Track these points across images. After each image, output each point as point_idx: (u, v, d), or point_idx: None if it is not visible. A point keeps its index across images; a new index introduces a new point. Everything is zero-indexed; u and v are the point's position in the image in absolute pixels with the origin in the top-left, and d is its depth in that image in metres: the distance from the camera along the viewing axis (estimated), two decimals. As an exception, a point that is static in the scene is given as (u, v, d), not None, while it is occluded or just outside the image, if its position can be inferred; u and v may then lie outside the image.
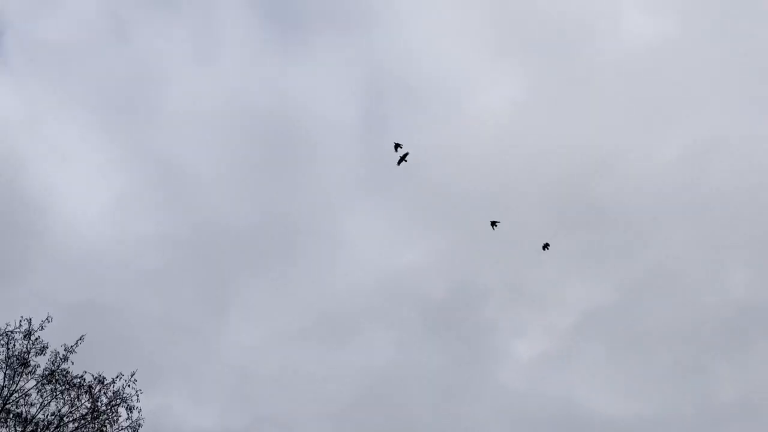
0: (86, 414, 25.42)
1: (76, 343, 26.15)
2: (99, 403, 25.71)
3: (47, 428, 24.91)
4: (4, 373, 25.00)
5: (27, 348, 25.39)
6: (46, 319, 25.76)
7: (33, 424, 24.79)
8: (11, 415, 24.53)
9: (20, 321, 25.64)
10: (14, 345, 25.25)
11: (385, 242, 70.04)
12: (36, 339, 25.56)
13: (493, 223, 30.85)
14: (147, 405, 26.61)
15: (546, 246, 31.94)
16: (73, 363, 26.09)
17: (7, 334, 25.27)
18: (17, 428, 24.57)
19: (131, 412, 25.97)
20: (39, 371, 25.48)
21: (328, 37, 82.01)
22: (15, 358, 25.09)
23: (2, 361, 24.99)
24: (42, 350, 25.74)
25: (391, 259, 69.00)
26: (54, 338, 26.31)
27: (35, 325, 25.73)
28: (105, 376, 26.16)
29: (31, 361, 25.49)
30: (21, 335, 25.43)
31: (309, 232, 70.10)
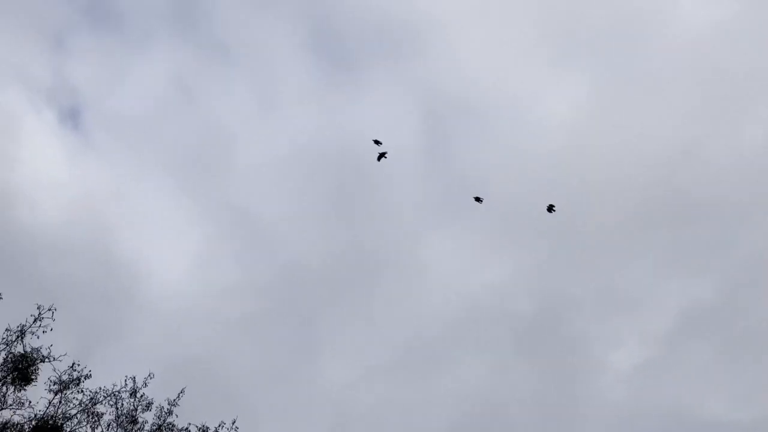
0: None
1: (178, 396, 26.90)
2: (206, 453, 26.28)
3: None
4: (116, 432, 25.92)
5: (134, 405, 26.28)
6: (149, 375, 26.68)
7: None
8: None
9: (125, 380, 26.66)
10: (122, 404, 26.20)
11: (465, 264, 69.40)
12: (141, 396, 26.43)
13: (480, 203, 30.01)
14: (249, 451, 27.00)
15: (551, 208, 28.99)
16: (177, 416, 26.81)
17: (115, 395, 26.25)
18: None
19: (235, 458, 26.33)
20: (147, 427, 26.32)
21: (381, 68, 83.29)
22: (124, 417, 26.04)
23: (113, 420, 25.97)
24: (148, 406, 26.59)
25: (472, 280, 68.21)
26: (157, 393, 27.22)
27: (139, 382, 26.69)
28: (208, 425, 26.72)
29: (139, 418, 26.37)
30: (127, 394, 26.37)
31: (388, 262, 70.43)
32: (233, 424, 26.63)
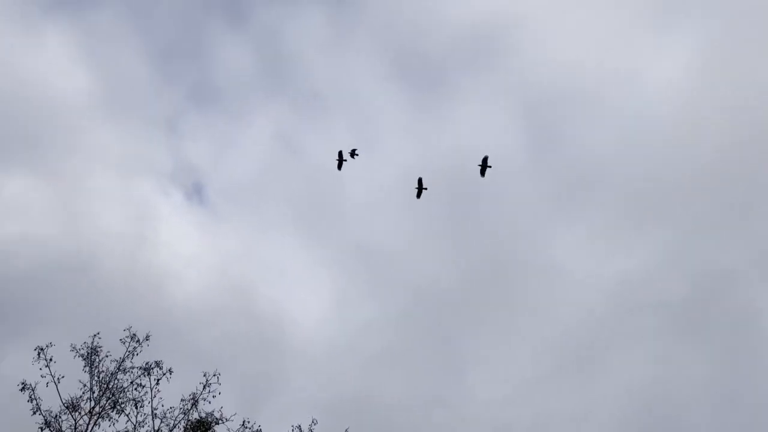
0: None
1: (344, 438, 27.72)
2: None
3: None
4: (292, 480, 27.05)
5: (306, 453, 27.39)
6: (312, 422, 27.73)
7: None
8: None
9: (292, 429, 27.87)
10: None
11: (600, 254, 66.45)
12: (311, 443, 27.48)
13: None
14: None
15: (484, 167, 27.46)
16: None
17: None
18: None
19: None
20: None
21: (470, 77, 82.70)
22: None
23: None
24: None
25: (611, 269, 65.05)
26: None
27: (305, 429, 27.79)
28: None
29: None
30: (298, 442, 27.53)
31: (519, 269, 68.99)
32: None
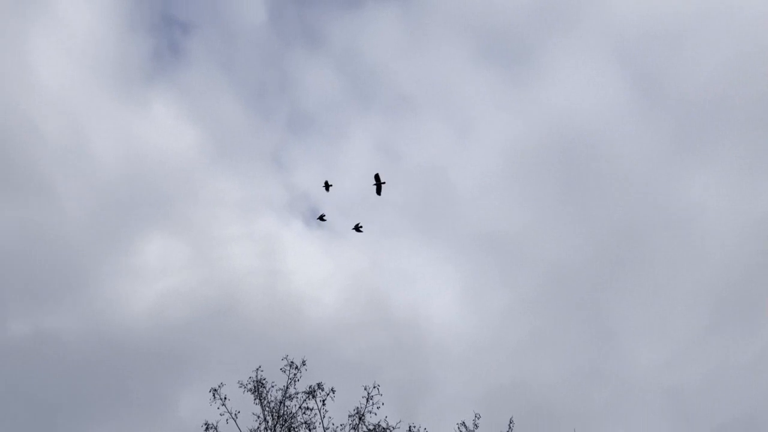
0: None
1: (510, 428, 27.65)
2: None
3: None
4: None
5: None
6: (476, 416, 27.80)
7: None
8: None
9: (458, 427, 28.07)
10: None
11: (739, 192, 61.50)
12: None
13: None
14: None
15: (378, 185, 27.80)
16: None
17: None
18: None
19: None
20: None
21: (560, 41, 79.72)
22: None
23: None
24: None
25: (755, 205, 59.99)
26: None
27: (470, 425, 27.92)
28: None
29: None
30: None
31: (652, 225, 65.45)
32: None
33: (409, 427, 27.77)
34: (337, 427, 25.56)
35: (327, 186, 29.54)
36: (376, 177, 30.08)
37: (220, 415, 24.63)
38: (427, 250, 78.99)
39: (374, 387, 25.51)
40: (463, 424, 28.12)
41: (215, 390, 24.83)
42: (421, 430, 27.81)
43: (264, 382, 25.80)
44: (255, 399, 25.61)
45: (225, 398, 24.85)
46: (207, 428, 24.56)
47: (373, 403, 25.46)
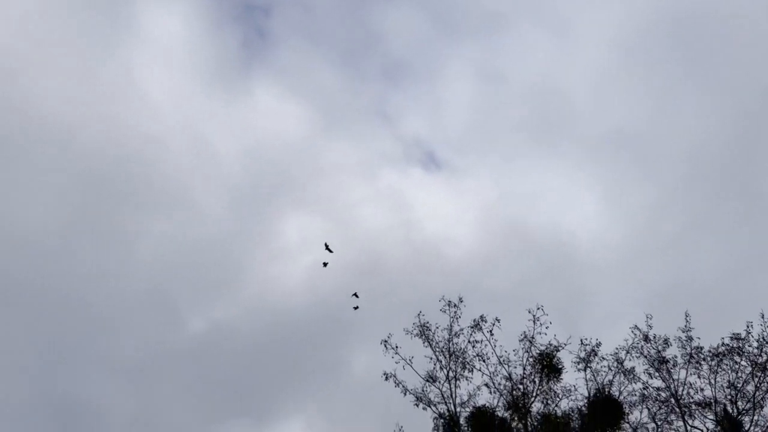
0: None
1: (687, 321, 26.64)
2: None
3: None
4: None
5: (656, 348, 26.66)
6: (647, 317, 27.02)
7: None
8: None
9: (631, 331, 27.37)
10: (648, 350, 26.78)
11: None
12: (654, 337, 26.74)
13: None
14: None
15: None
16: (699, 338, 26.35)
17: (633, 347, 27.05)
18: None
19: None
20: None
21: None
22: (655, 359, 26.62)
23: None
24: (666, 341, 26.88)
25: None
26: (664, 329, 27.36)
27: (642, 327, 27.14)
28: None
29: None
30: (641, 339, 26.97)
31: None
32: None
33: (581, 340, 27.41)
34: (509, 353, 25.76)
35: (327, 248, 30.14)
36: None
37: (396, 363, 25.59)
38: (554, 166, 76.27)
39: (538, 308, 25.34)
40: (636, 327, 27.37)
41: (385, 341, 25.79)
42: (593, 341, 27.38)
43: (428, 325, 26.41)
44: (423, 342, 26.31)
45: (396, 347, 25.74)
46: (386, 377, 25.62)
47: (540, 324, 25.36)
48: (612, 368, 27.22)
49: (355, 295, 29.34)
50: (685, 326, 27.00)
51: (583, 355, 27.28)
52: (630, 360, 27.14)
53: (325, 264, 29.58)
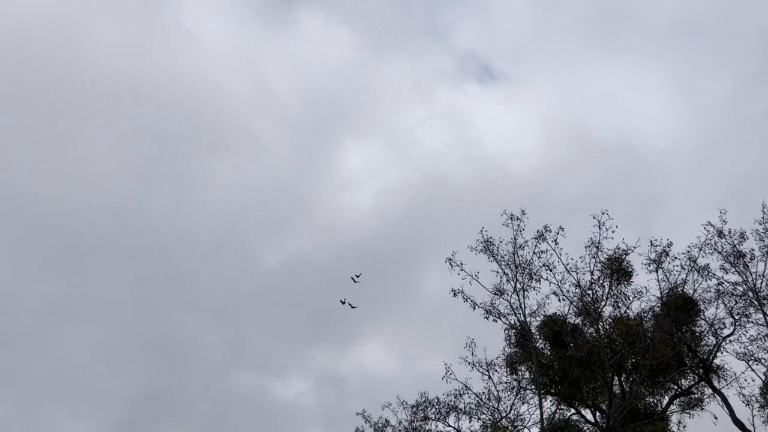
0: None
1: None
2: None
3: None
4: None
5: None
6: (721, 212, 26.15)
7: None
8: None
9: (704, 227, 26.64)
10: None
11: None
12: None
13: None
14: None
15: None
16: None
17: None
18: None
19: None
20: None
21: None
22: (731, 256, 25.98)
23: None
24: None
25: None
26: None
27: (717, 223, 26.41)
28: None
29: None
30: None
31: None
32: None
33: (651, 242, 26.95)
34: (576, 260, 25.65)
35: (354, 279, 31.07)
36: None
37: (462, 279, 25.95)
38: (618, 65, 72.67)
39: (603, 213, 24.91)
40: (709, 223, 26.66)
41: (450, 259, 26.11)
42: (664, 241, 26.89)
43: (492, 240, 26.49)
44: (488, 257, 26.46)
45: (462, 264, 26.04)
46: (454, 294, 26.11)
47: (606, 229, 25.00)
48: (685, 267, 26.79)
49: (355, 278, 31.11)
50: (763, 218, 26.12)
51: (653, 256, 26.91)
52: (703, 257, 26.62)
53: (355, 279, 31.22)
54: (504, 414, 25.63)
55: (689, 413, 26.84)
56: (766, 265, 25.55)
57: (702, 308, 26.55)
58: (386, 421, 31.64)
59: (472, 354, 26.50)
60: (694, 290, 26.55)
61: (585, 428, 26.94)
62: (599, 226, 24.94)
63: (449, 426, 27.16)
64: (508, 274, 26.02)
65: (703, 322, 26.65)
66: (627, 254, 26.43)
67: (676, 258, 26.73)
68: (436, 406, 27.70)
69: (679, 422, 26.42)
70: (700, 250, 26.46)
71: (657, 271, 26.95)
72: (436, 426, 27.93)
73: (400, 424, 30.59)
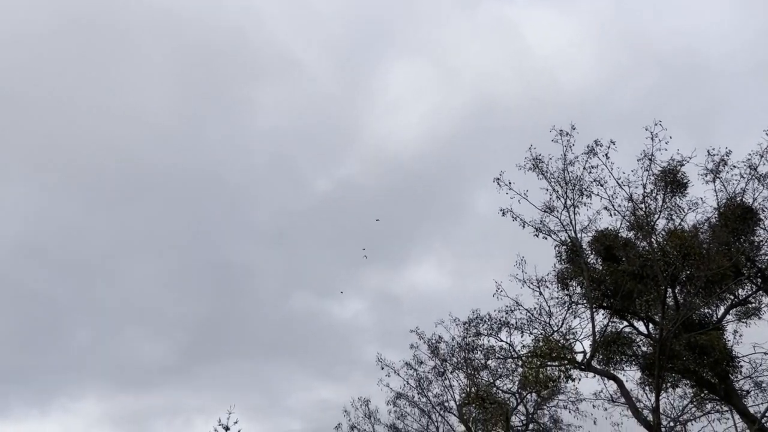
0: None
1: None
2: None
3: None
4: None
5: None
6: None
7: None
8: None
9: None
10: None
11: None
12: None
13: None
14: None
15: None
16: None
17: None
18: None
19: None
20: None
21: None
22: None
23: None
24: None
25: None
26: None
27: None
28: None
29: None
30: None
31: None
32: None
33: (708, 151, 26.04)
34: (628, 174, 25.06)
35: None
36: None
37: (510, 198, 25.80)
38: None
39: (656, 124, 24.01)
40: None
41: (498, 178, 25.89)
42: (722, 150, 25.93)
43: (541, 157, 26.05)
44: (537, 175, 26.12)
45: (510, 183, 25.82)
46: (503, 213, 26.06)
47: (659, 140, 24.16)
48: (744, 175, 25.84)
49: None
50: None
51: (710, 166, 26.01)
52: (764, 165, 25.56)
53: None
54: (555, 328, 25.99)
55: (746, 322, 26.60)
56: (831, 170, 24.41)
57: (762, 217, 25.77)
58: (439, 337, 32.65)
59: (523, 271, 26.71)
60: (754, 199, 25.71)
61: (638, 339, 27.12)
62: (652, 138, 24.11)
63: (501, 341, 27.82)
64: (557, 191, 25.72)
65: (762, 231, 25.92)
66: (682, 165, 25.65)
67: (735, 167, 25.77)
68: (488, 322, 28.31)
69: (735, 331, 26.24)
70: (761, 157, 25.37)
71: (714, 181, 26.11)
72: (489, 341, 28.66)
73: (453, 340, 31.54)
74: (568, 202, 25.55)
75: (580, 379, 25.41)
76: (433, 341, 32.82)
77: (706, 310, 26.50)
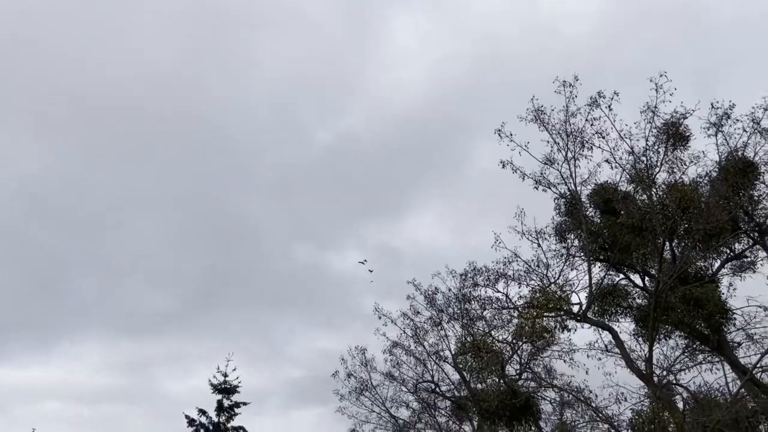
0: None
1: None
2: None
3: None
4: None
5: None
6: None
7: None
8: None
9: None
10: None
11: None
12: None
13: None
14: None
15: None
16: None
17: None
18: None
19: None
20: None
21: None
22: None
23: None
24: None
25: None
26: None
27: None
28: None
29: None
30: None
31: None
32: None
33: (711, 104, 25.77)
34: (630, 127, 24.82)
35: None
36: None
37: (511, 150, 25.59)
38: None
39: (661, 75, 23.62)
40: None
41: (499, 130, 25.63)
42: (725, 103, 25.65)
43: (542, 108, 25.73)
44: (539, 127, 25.85)
45: (511, 134, 25.56)
46: (503, 165, 25.88)
47: (663, 92, 23.83)
48: (747, 129, 25.65)
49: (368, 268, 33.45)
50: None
51: (713, 119, 25.78)
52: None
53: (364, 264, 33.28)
54: (553, 280, 26.17)
55: (741, 276, 26.85)
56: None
57: (762, 171, 25.69)
58: (436, 288, 32.90)
59: (522, 223, 26.72)
60: (755, 153, 25.59)
61: (633, 292, 27.39)
62: (656, 90, 23.77)
63: (498, 291, 28.04)
64: (558, 144, 25.51)
65: (762, 186, 25.88)
66: (685, 118, 25.36)
67: (738, 120, 25.55)
68: (485, 274, 28.48)
69: (730, 285, 26.50)
70: (765, 110, 25.13)
71: (716, 135, 25.93)
72: (486, 292, 28.90)
73: (449, 291, 31.79)
74: (569, 155, 25.39)
75: (575, 330, 25.80)
76: (429, 292, 33.08)
77: (702, 264, 26.68)
